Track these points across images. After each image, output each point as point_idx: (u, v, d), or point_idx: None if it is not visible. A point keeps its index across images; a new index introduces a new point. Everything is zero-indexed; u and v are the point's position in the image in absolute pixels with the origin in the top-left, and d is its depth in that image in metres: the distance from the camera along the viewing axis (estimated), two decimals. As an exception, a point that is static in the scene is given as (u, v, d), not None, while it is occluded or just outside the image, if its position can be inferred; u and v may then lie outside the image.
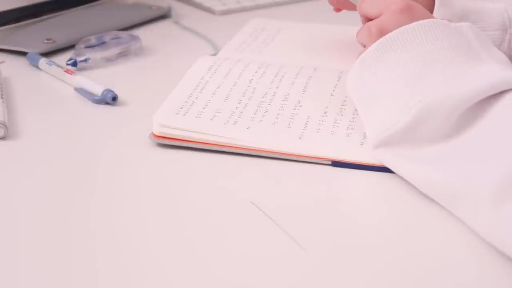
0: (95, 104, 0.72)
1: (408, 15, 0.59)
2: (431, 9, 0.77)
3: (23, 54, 0.84)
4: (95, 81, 0.75)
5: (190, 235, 0.52)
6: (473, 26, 0.59)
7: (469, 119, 0.53)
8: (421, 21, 0.57)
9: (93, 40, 0.84)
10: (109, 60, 0.83)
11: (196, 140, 0.62)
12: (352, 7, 0.76)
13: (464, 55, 0.56)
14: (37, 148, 0.64)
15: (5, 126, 0.65)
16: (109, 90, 0.72)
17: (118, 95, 0.72)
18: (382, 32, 0.59)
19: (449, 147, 0.53)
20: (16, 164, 0.62)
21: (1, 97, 0.71)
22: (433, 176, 0.53)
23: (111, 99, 0.72)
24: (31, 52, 0.83)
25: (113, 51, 0.84)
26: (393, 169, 0.57)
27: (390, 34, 0.58)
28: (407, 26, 0.57)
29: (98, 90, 0.73)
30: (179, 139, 0.62)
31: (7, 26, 0.91)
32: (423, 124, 0.54)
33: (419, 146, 0.55)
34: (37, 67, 0.82)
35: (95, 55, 0.82)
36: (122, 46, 0.85)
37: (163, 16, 1.02)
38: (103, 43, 0.84)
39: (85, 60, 0.81)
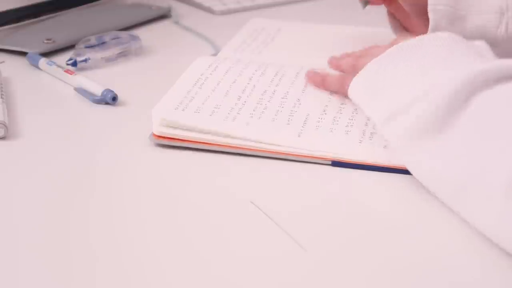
0: (95, 104, 0.72)
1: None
2: None
3: (23, 54, 0.84)
4: (95, 81, 0.75)
5: (190, 235, 0.52)
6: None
7: (478, 109, 0.52)
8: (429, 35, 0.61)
9: (93, 40, 0.84)
10: (109, 60, 0.83)
11: (196, 140, 0.62)
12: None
13: (474, 54, 0.58)
14: (37, 148, 0.64)
15: (5, 126, 0.65)
16: (109, 90, 0.72)
17: (118, 95, 0.72)
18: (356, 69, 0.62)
19: (459, 137, 0.52)
20: (16, 164, 0.62)
21: (1, 97, 0.71)
22: (441, 165, 0.53)
23: (111, 99, 0.72)
24: (31, 52, 0.83)
25: (113, 51, 0.84)
26: (398, 150, 0.57)
27: (400, 43, 0.60)
28: (416, 38, 0.61)
29: (98, 90, 0.73)
30: (179, 139, 0.62)
31: (7, 26, 0.91)
32: (435, 110, 0.53)
33: (431, 133, 0.54)
34: (37, 67, 0.82)
35: (95, 55, 0.82)
36: (122, 46, 0.85)
37: (163, 16, 1.02)
38: (103, 43, 0.84)
39: (85, 60, 0.81)
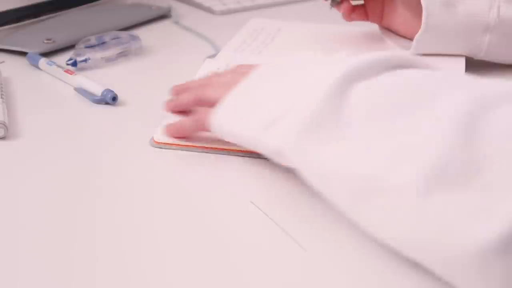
0: (95, 104, 0.72)
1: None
2: None
3: (23, 54, 0.84)
4: (95, 81, 0.75)
5: (190, 235, 0.52)
6: None
7: (365, 102, 0.49)
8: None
9: (93, 40, 0.84)
10: (109, 60, 0.83)
11: (196, 145, 0.62)
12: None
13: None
14: (37, 148, 0.64)
15: (5, 126, 0.65)
16: (109, 90, 0.72)
17: (118, 95, 0.72)
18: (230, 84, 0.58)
19: (348, 133, 0.48)
20: (16, 164, 0.62)
21: (1, 97, 0.71)
22: (340, 165, 0.48)
23: (111, 99, 0.72)
24: (31, 52, 0.83)
25: (113, 51, 0.84)
26: (283, 155, 0.52)
27: (266, 64, 0.58)
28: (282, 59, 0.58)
29: (98, 90, 0.73)
30: (180, 145, 0.62)
31: (7, 26, 0.91)
32: (316, 100, 0.50)
33: (316, 133, 0.49)
34: (37, 67, 0.82)
35: (95, 55, 0.82)
36: (122, 46, 0.85)
37: (163, 16, 1.02)
38: (103, 43, 0.84)
39: (85, 60, 0.82)
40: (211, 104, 0.59)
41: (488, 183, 0.41)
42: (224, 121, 0.58)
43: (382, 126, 0.47)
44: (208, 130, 0.60)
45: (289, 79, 0.56)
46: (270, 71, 0.58)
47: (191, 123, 0.62)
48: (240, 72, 0.61)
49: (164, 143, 0.63)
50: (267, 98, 0.55)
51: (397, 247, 0.46)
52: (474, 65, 0.81)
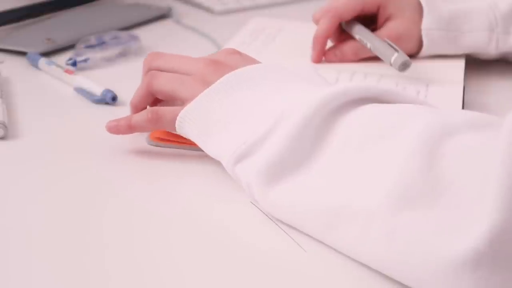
0: (95, 104, 0.72)
1: (218, 65, 0.58)
2: (420, 17, 0.79)
3: (23, 54, 0.84)
4: (94, 81, 0.75)
5: (189, 235, 0.52)
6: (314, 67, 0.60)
7: (336, 135, 0.50)
8: (264, 63, 0.58)
9: (92, 40, 0.84)
10: (108, 60, 0.83)
11: (192, 143, 0.62)
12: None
13: (309, 81, 0.57)
14: (37, 148, 0.64)
15: (5, 126, 0.65)
16: (108, 90, 0.72)
17: (118, 95, 0.72)
18: (205, 81, 0.57)
19: (322, 166, 0.50)
20: (16, 164, 0.62)
21: (1, 97, 0.71)
22: (307, 200, 0.49)
23: (111, 99, 0.72)
24: (31, 52, 0.83)
25: (112, 51, 0.84)
26: (255, 191, 0.52)
27: (237, 70, 0.56)
28: (253, 65, 0.57)
29: (97, 90, 0.73)
30: (177, 142, 0.62)
31: (7, 26, 0.91)
32: (285, 136, 0.50)
33: (289, 167, 0.50)
34: (37, 67, 0.82)
35: (95, 55, 0.82)
36: (122, 46, 0.85)
37: (163, 16, 1.02)
38: (103, 43, 0.84)
39: (85, 60, 0.82)
40: (162, 97, 0.61)
41: (452, 203, 0.43)
42: (188, 130, 0.57)
43: (349, 158, 0.49)
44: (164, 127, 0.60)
45: (258, 98, 0.55)
46: (236, 81, 0.56)
47: (142, 121, 0.60)
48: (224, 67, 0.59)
49: (161, 140, 0.63)
50: (230, 117, 0.55)
51: (374, 266, 0.47)
52: (474, 65, 0.82)
